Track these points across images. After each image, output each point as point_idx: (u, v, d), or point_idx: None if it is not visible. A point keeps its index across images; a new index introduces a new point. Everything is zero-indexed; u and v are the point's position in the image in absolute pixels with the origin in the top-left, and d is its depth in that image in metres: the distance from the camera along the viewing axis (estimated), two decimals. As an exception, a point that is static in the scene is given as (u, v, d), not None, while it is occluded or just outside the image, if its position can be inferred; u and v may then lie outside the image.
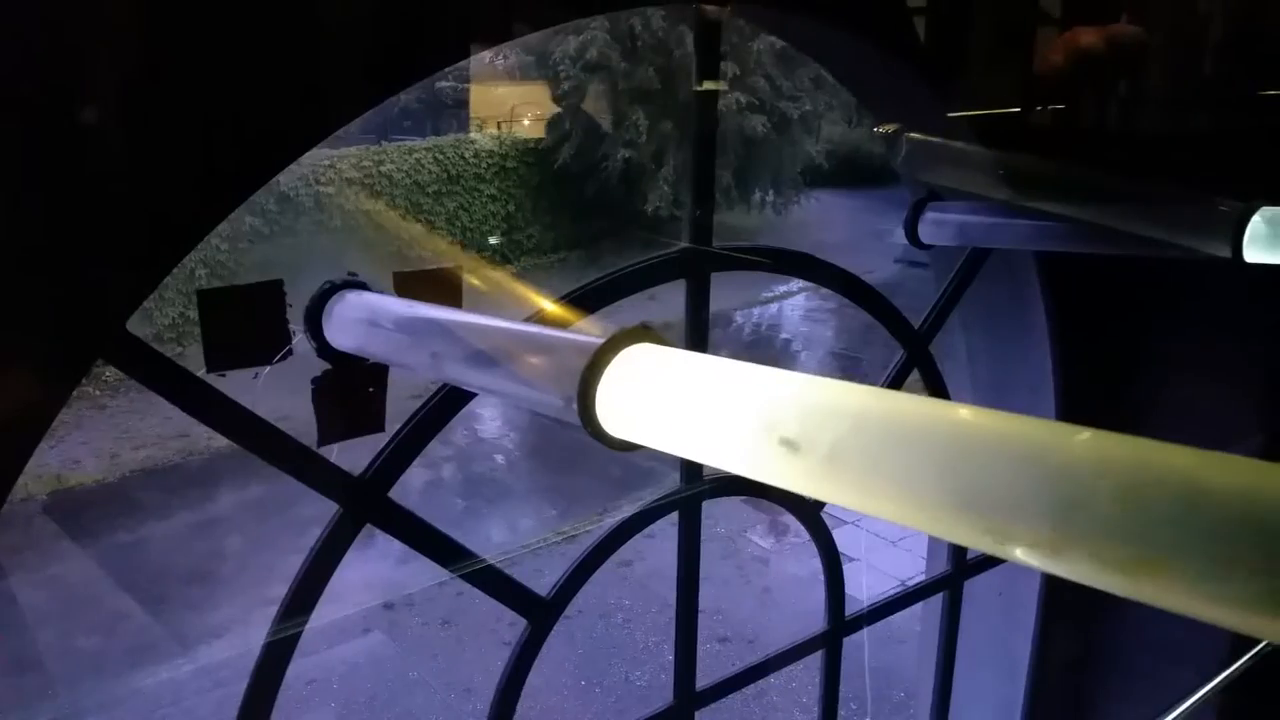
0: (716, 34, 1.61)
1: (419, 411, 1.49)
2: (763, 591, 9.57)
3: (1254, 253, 1.64)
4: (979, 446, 0.69)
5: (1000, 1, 2.34)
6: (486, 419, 12.34)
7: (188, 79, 1.24)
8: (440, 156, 17.41)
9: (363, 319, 1.32)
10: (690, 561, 1.95)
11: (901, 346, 2.20)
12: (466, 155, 17.62)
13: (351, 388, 1.41)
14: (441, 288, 1.44)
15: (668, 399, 0.86)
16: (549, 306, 1.57)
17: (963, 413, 0.68)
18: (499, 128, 18.44)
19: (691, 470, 1.90)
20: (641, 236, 16.94)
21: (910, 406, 0.70)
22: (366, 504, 1.47)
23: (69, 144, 1.17)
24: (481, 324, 1.05)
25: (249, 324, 1.33)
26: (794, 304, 17.58)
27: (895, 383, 2.18)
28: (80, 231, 1.17)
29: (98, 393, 12.74)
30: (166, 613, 8.87)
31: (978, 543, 0.67)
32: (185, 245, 1.30)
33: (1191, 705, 2.42)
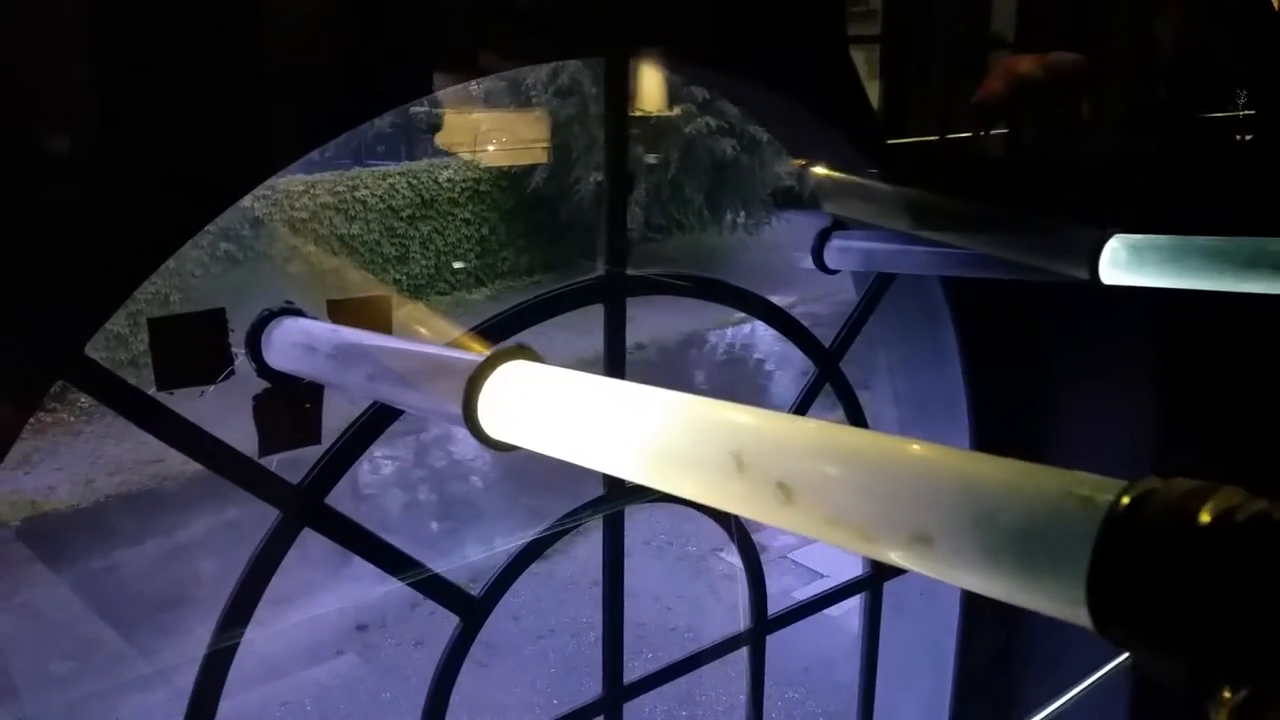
0: (624, 81, 1.79)
1: (354, 425, 1.65)
2: (731, 608, 9.72)
3: (1111, 276, 1.83)
4: (774, 446, 0.86)
5: (900, 53, 2.53)
6: (460, 438, 12.44)
7: (137, 129, 1.41)
8: (414, 181, 17.56)
9: (298, 342, 1.49)
10: (615, 563, 2.12)
11: (814, 364, 2.38)
12: (440, 179, 17.77)
13: (289, 404, 1.57)
14: (372, 313, 1.60)
15: (536, 407, 1.03)
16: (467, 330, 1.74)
17: (743, 417, 0.84)
18: (473, 153, 18.62)
19: (613, 480, 2.06)
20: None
21: (707, 411, 0.87)
22: (305, 509, 1.63)
23: (31, 184, 1.33)
24: (390, 346, 1.22)
25: (194, 348, 1.49)
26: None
27: (808, 398, 2.36)
28: (41, 267, 1.33)
29: (72, 419, 12.77)
30: (139, 637, 8.91)
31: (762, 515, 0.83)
32: (136, 279, 1.46)
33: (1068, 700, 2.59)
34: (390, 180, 17.05)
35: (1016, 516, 0.60)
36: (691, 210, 19.56)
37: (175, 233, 1.51)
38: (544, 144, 17.85)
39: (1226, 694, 0.53)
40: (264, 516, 1.66)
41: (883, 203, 2.06)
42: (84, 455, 12.56)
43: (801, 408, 2.31)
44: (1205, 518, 0.52)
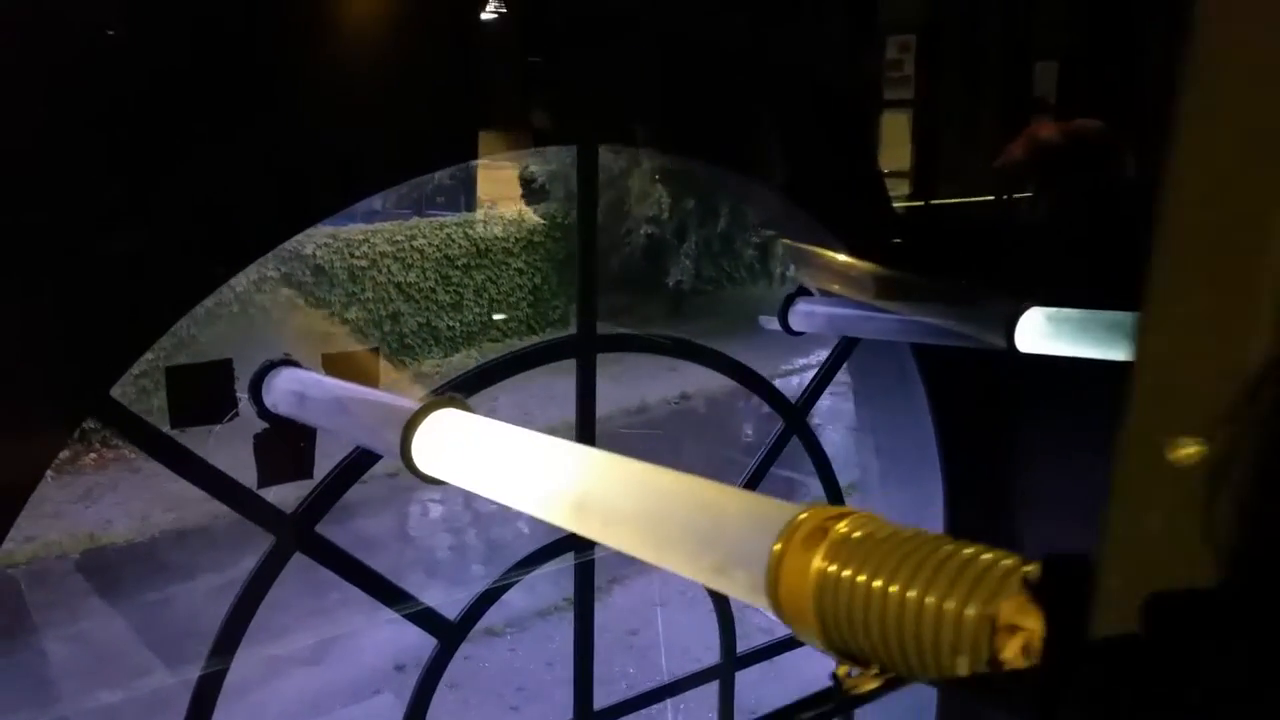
0: (594, 168, 2.04)
1: (342, 462, 1.90)
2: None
3: (1027, 345, 2.02)
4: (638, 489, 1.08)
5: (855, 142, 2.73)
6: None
7: (168, 188, 1.67)
8: (470, 231, 18.03)
9: (291, 389, 1.74)
10: (585, 600, 2.32)
11: (781, 418, 2.58)
12: (495, 230, 18.24)
13: (285, 443, 1.82)
14: (361, 365, 1.85)
15: (458, 449, 1.26)
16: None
17: (638, 468, 1.06)
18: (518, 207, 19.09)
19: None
20: (663, 308, 17.42)
21: (613, 465, 1.09)
22: (297, 536, 1.87)
23: (65, 237, 1.59)
24: (351, 394, 1.46)
25: (204, 393, 1.74)
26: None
27: (775, 449, 2.56)
28: (73, 314, 1.60)
29: (133, 456, 13.23)
30: (187, 669, 9.20)
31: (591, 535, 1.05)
32: (160, 328, 1.72)
33: None
34: (447, 230, 17.54)
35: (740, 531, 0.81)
36: (742, 263, 19.84)
37: (196, 287, 1.77)
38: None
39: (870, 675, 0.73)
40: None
41: (836, 272, 2.27)
42: (142, 491, 13.01)
43: (768, 459, 2.51)
44: (840, 530, 0.73)
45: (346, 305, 15.73)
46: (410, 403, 1.33)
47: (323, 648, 9.46)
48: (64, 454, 12.39)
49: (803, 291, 2.47)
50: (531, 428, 1.21)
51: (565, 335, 2.16)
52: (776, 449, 2.56)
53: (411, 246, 17.10)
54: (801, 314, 2.46)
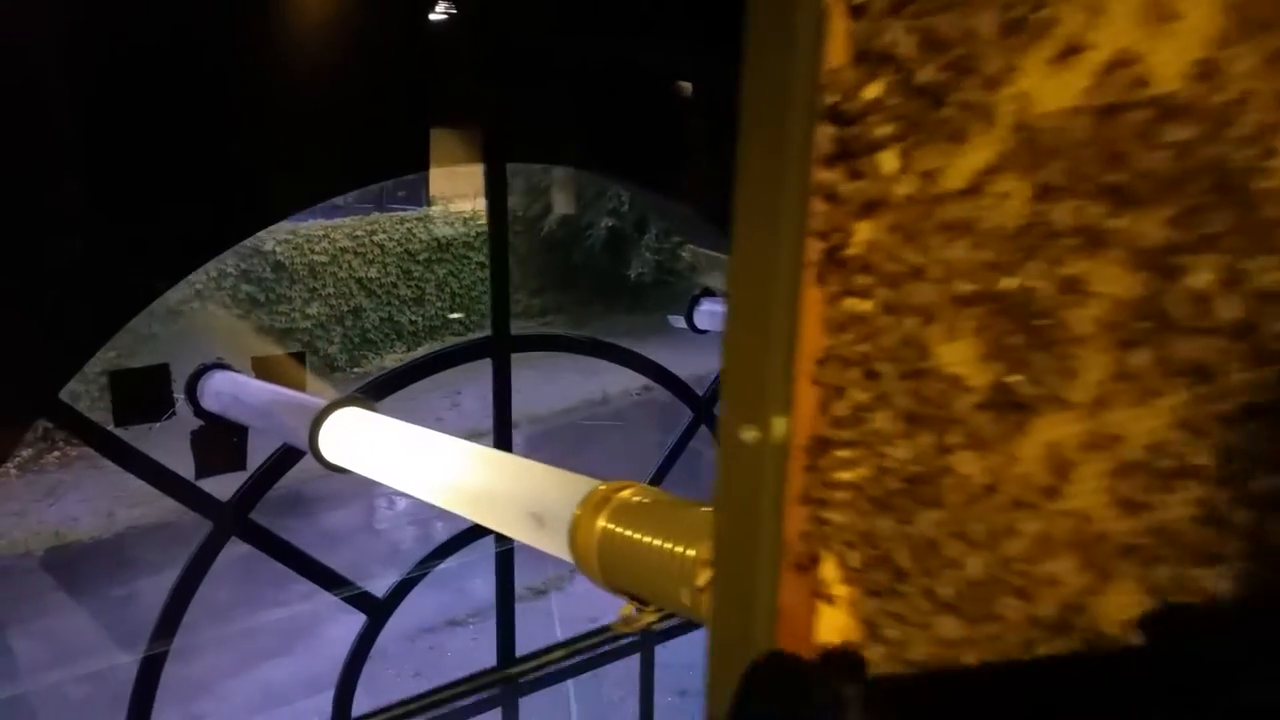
0: (503, 185, 2.25)
1: (272, 455, 2.09)
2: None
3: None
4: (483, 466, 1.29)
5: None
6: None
7: (117, 192, 1.86)
8: (431, 226, 18.11)
9: (224, 390, 1.94)
10: (505, 560, 2.54)
11: (690, 409, 2.80)
12: (456, 225, 18.33)
13: (220, 438, 2.01)
14: (288, 368, 2.05)
15: (356, 441, 1.47)
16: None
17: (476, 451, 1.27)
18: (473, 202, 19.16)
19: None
20: (624, 301, 17.64)
21: (449, 446, 1.30)
22: (232, 522, 2.07)
23: (16, 244, 1.78)
24: (270, 394, 1.66)
25: (144, 394, 1.94)
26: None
27: (684, 439, 2.78)
28: (23, 320, 1.78)
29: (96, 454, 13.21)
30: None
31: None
32: (106, 334, 1.91)
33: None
34: (408, 225, 17.63)
35: (557, 505, 1.03)
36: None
37: (142, 295, 1.96)
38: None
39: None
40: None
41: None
42: (106, 489, 13.06)
43: (679, 446, 2.73)
44: (622, 498, 0.95)
45: (307, 301, 15.82)
46: (320, 401, 1.54)
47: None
48: (27, 452, 12.44)
49: (707, 292, 2.69)
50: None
51: (481, 336, 2.36)
52: (686, 437, 2.78)
53: (372, 241, 17.19)
54: (705, 313, 2.68)
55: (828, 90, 0.55)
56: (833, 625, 0.62)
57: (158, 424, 1.96)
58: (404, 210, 18.38)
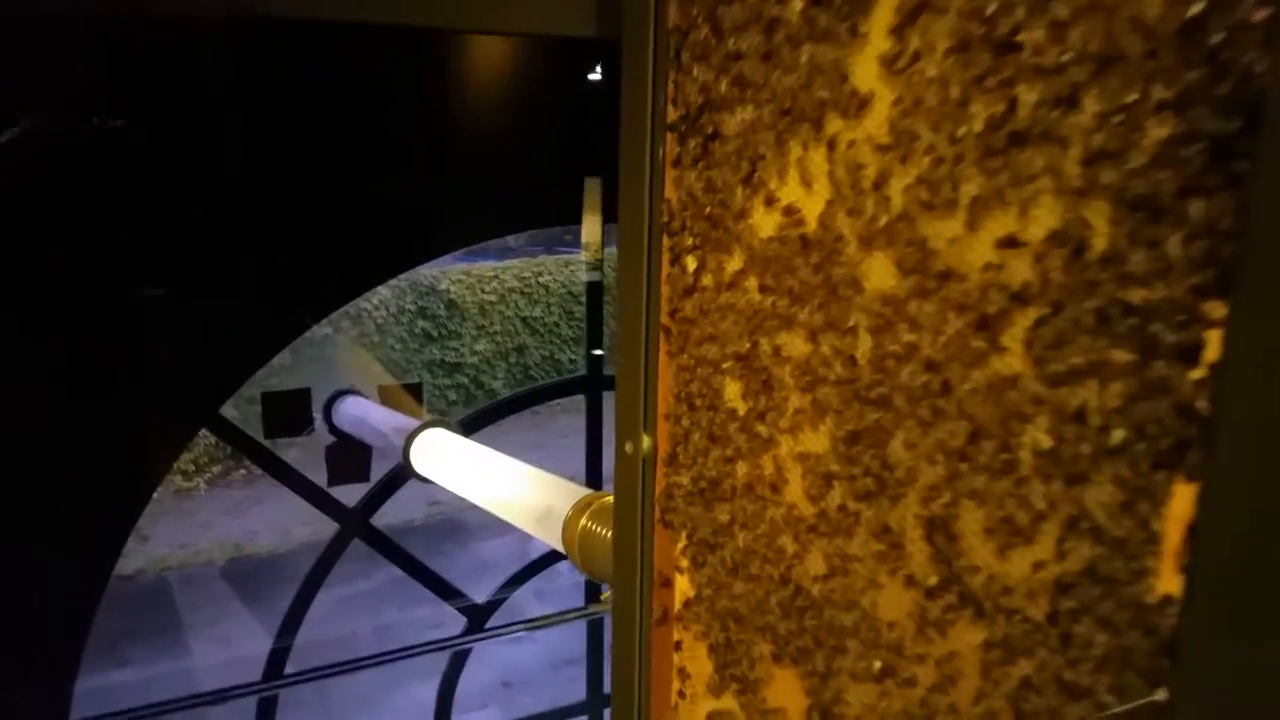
0: (599, 236, 2.57)
1: (392, 469, 2.45)
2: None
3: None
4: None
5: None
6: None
7: (264, 249, 2.27)
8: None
9: (352, 413, 2.31)
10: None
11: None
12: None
13: (349, 453, 2.38)
14: (407, 394, 2.40)
15: (435, 455, 1.79)
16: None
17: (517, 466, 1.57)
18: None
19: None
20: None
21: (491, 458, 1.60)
22: (356, 526, 2.43)
23: (190, 282, 2.20)
24: (380, 416, 2.01)
25: (289, 412, 2.32)
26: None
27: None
28: (194, 344, 2.19)
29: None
30: (300, 663, 10.01)
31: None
32: (260, 360, 2.31)
33: None
34: (572, 267, 18.39)
35: (558, 506, 1.31)
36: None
37: (291, 329, 2.35)
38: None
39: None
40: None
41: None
42: (284, 507, 14.07)
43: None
44: (601, 502, 1.22)
45: (476, 338, 16.67)
46: (415, 423, 1.87)
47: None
48: (217, 469, 13.53)
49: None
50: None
51: (577, 376, 2.68)
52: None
53: (538, 282, 17.96)
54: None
55: (664, 214, 0.82)
56: (682, 581, 0.88)
57: (299, 438, 2.35)
58: (569, 253, 19.17)
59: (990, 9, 0.54)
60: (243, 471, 14.18)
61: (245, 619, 11.24)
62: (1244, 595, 0.44)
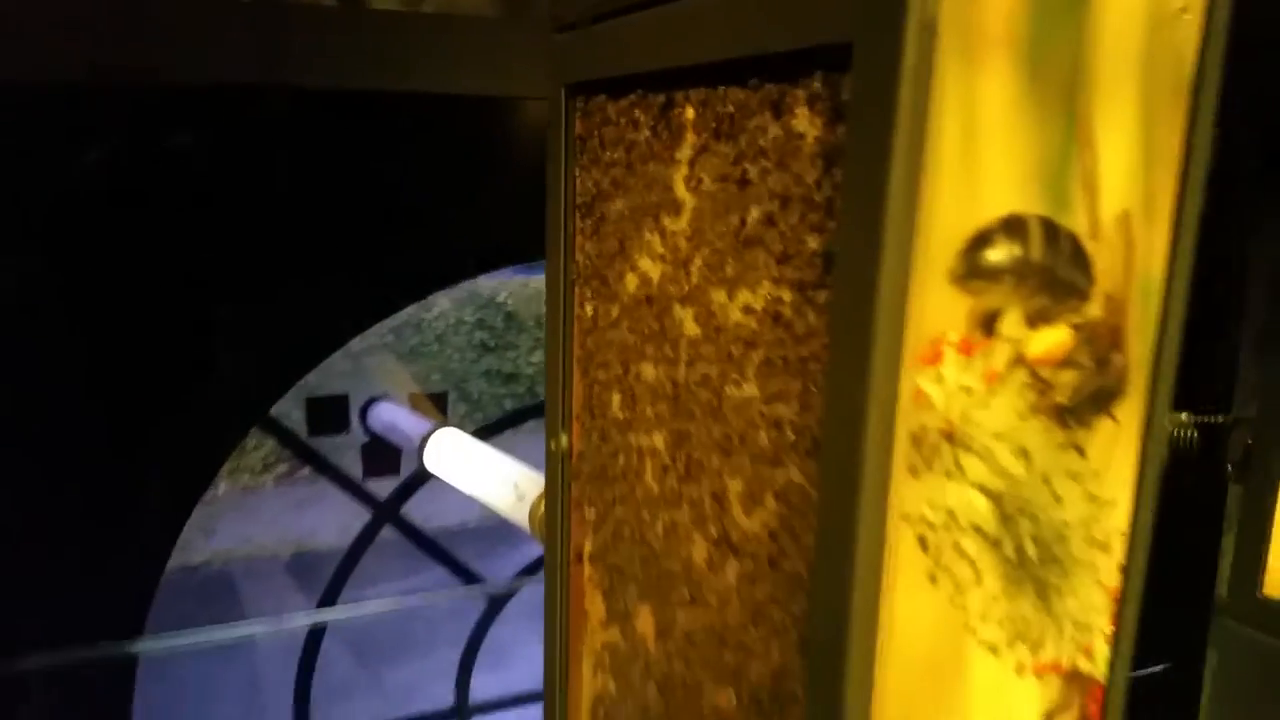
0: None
1: (416, 468, 2.77)
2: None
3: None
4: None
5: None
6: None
7: (319, 251, 2.60)
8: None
9: (383, 417, 2.63)
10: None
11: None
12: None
13: (382, 450, 2.71)
14: (430, 401, 2.72)
15: (442, 453, 2.09)
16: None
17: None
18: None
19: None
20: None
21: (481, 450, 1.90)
22: (387, 514, 2.75)
23: (241, 290, 2.55)
24: (403, 419, 2.32)
25: (330, 415, 2.66)
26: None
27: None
28: (243, 349, 2.54)
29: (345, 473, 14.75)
30: (372, 662, 10.45)
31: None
32: (309, 365, 2.65)
33: None
34: (630, 280, 18.67)
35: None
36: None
37: (338, 334, 2.69)
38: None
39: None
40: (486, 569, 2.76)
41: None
42: (346, 506, 14.64)
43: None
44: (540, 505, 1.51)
45: (532, 350, 17.10)
46: (429, 425, 2.18)
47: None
48: (284, 468, 14.11)
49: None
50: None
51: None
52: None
53: (596, 295, 18.30)
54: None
55: (574, 272, 1.12)
56: (586, 545, 1.17)
57: (339, 436, 2.68)
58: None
59: (734, 156, 0.82)
60: (307, 470, 14.75)
61: (305, 610, 11.79)
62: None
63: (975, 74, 0.63)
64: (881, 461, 0.68)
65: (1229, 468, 2.02)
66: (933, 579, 0.72)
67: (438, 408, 2.76)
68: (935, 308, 0.66)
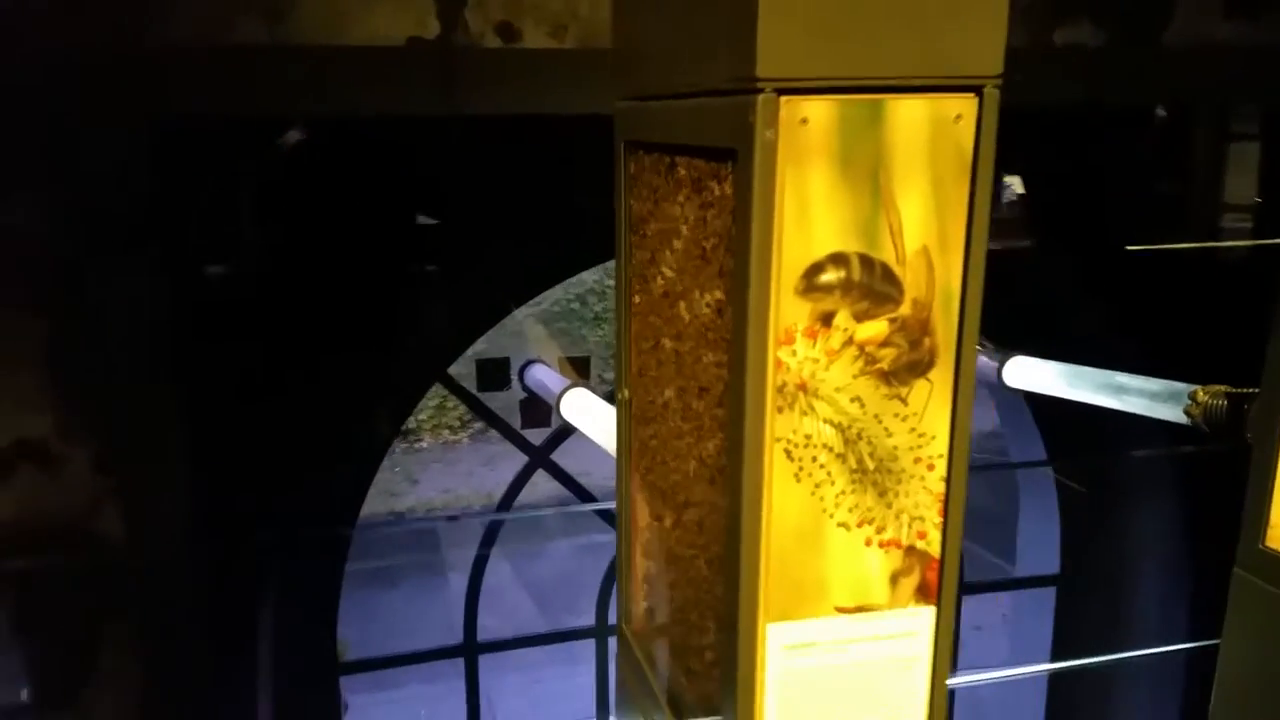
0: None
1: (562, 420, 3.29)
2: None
3: (1012, 382, 3.00)
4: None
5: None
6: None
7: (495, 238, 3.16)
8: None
9: (537, 377, 3.16)
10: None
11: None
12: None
13: (536, 405, 3.24)
14: (572, 365, 3.23)
15: (575, 406, 2.59)
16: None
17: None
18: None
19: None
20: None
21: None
22: (540, 458, 3.29)
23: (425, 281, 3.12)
24: (555, 377, 2.84)
25: (496, 374, 3.21)
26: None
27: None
28: (432, 318, 3.11)
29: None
30: (550, 611, 11.26)
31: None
32: (479, 332, 3.21)
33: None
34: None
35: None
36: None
37: (499, 310, 3.24)
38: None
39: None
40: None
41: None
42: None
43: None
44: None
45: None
46: (565, 381, 2.68)
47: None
48: (479, 425, 15.16)
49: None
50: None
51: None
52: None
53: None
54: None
55: (631, 269, 1.58)
56: (637, 461, 1.64)
57: (504, 391, 3.24)
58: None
59: (700, 204, 1.26)
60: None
61: (493, 562, 12.75)
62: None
63: (804, 169, 1.05)
64: (759, 403, 1.11)
65: (1248, 435, 2.28)
66: (797, 478, 1.14)
67: (580, 371, 3.26)
68: (788, 309, 1.08)
